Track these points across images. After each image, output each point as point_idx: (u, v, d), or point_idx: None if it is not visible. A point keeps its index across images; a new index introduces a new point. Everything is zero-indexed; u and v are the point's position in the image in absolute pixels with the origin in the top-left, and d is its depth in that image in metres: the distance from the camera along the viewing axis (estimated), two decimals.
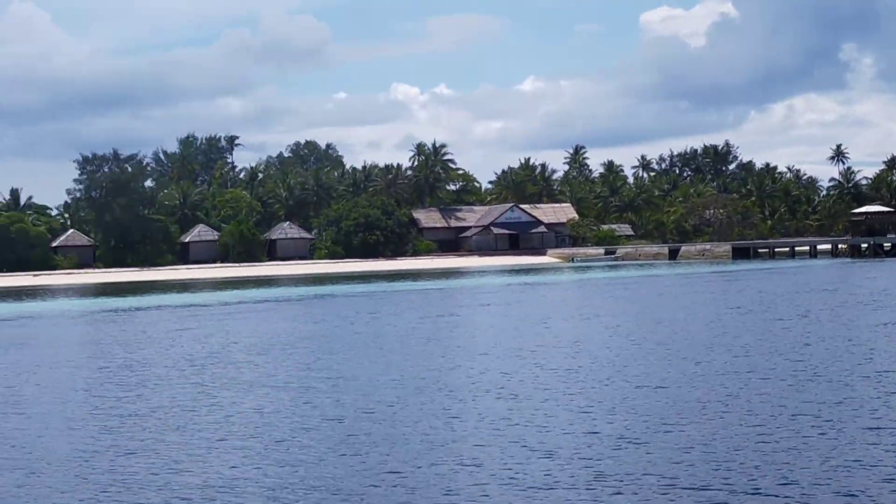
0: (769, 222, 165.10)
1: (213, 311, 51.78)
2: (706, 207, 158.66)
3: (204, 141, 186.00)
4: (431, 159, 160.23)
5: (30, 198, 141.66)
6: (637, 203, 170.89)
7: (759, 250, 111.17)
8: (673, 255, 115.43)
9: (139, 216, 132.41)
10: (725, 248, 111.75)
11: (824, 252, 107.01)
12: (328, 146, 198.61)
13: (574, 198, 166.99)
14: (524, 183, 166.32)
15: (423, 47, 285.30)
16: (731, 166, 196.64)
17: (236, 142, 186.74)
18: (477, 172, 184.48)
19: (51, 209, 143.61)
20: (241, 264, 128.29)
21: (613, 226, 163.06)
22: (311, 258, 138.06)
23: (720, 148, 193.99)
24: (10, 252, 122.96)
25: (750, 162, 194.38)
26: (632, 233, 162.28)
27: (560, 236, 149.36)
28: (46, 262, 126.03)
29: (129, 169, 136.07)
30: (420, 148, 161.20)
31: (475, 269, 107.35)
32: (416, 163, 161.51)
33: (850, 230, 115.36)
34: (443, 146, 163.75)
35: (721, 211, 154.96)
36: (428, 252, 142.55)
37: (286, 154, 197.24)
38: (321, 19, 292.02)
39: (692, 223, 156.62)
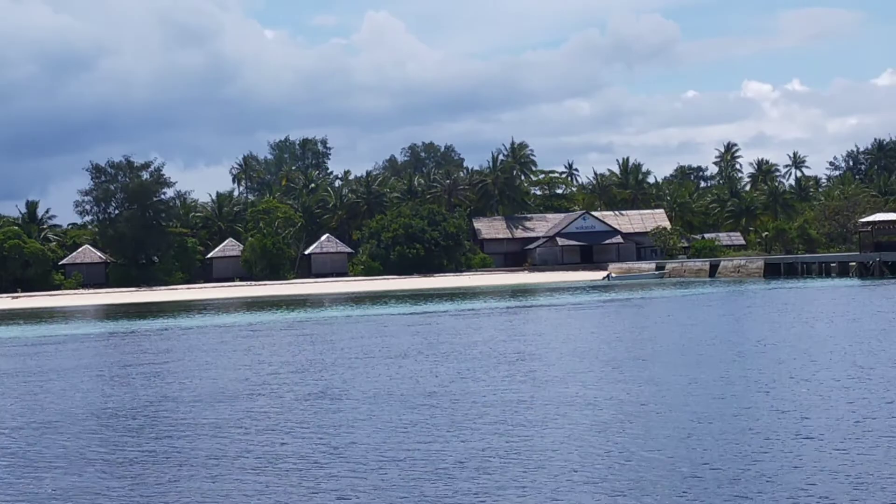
0: None
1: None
2: (836, 213, 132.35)
3: (298, 146, 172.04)
4: (508, 160, 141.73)
5: (47, 211, 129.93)
6: (754, 208, 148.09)
7: (800, 265, 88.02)
8: (713, 271, 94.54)
9: (152, 230, 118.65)
10: (759, 263, 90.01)
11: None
12: (447, 147, 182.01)
13: (674, 203, 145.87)
14: (609, 187, 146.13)
15: (775, 43, 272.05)
16: None
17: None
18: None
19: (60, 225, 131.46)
20: (262, 282, 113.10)
21: (721, 234, 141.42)
22: (350, 275, 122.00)
23: None
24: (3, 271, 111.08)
25: None
26: (742, 242, 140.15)
27: (644, 247, 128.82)
28: (47, 281, 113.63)
29: (147, 178, 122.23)
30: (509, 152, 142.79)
31: (488, 288, 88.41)
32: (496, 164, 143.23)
33: (859, 244, 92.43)
34: (523, 145, 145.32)
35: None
36: (484, 267, 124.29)
37: (403, 158, 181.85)
38: (669, 18, 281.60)
39: (826, 231, 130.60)
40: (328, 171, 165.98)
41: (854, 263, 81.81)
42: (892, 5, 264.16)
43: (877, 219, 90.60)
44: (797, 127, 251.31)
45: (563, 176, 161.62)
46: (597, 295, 68.65)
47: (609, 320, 44.28)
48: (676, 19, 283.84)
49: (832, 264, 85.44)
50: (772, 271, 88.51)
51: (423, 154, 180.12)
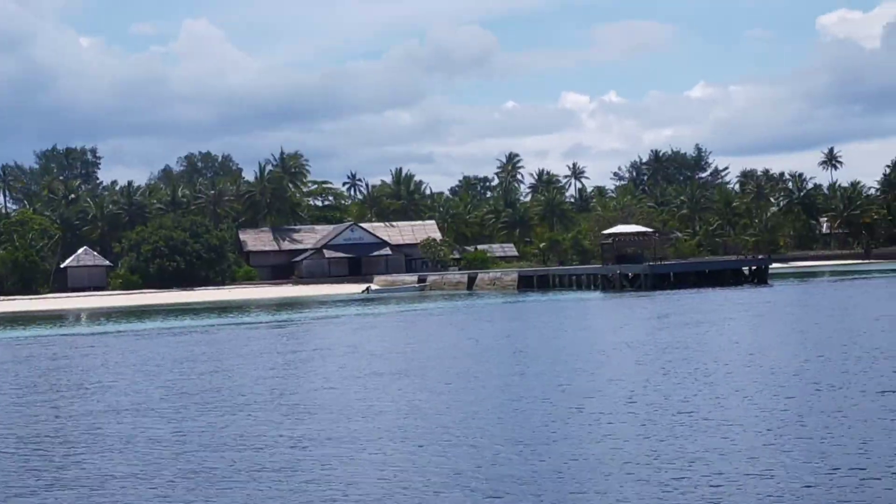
0: (696, 239, 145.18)
1: None
2: (610, 224, 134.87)
3: (63, 154, 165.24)
4: (277, 171, 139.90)
5: None
6: (528, 218, 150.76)
7: (552, 278, 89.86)
8: (471, 283, 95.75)
9: None
10: (513, 276, 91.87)
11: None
12: (225, 157, 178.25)
13: (446, 214, 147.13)
14: (380, 198, 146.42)
15: (592, 55, 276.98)
16: (705, 173, 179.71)
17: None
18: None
19: None
20: (11, 297, 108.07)
21: (495, 246, 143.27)
22: (109, 288, 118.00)
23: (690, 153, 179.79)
24: None
25: (725, 169, 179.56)
26: (515, 254, 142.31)
27: (413, 259, 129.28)
28: None
29: None
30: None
31: (239, 303, 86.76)
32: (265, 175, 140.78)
33: (603, 256, 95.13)
34: (296, 155, 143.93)
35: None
36: (248, 280, 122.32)
37: (179, 167, 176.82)
38: (487, 29, 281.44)
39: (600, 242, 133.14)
40: (98, 182, 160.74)
41: (599, 276, 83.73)
42: (704, 20, 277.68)
43: (618, 231, 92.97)
44: (614, 137, 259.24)
45: (345, 187, 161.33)
46: (332, 310, 68.04)
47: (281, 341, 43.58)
48: (495, 30, 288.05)
49: (581, 276, 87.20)
50: (525, 284, 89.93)
51: (199, 164, 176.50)
